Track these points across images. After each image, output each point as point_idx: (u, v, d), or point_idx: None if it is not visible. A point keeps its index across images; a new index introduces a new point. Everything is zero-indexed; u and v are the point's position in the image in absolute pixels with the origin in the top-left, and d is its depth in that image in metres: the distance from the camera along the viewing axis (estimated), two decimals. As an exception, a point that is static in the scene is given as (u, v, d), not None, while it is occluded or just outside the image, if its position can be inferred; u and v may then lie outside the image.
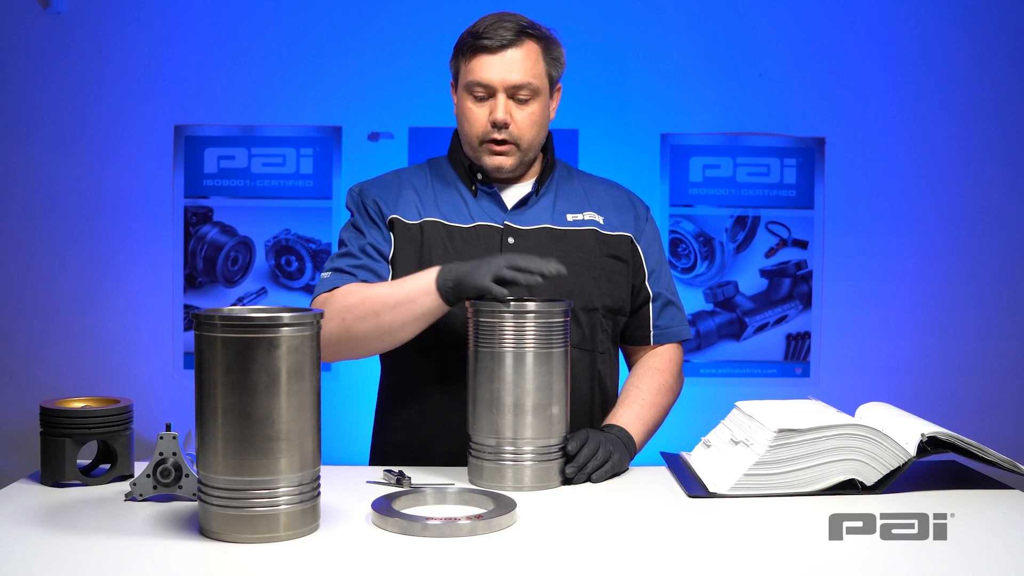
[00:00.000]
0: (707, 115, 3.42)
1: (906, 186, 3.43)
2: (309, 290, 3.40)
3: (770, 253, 3.46)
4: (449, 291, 1.61)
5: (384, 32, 3.36)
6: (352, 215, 1.88)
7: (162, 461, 1.44)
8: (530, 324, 1.55)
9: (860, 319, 3.43)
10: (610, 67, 3.38)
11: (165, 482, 1.44)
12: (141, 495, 1.45)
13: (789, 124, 3.43)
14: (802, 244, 3.46)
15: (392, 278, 1.80)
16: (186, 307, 3.40)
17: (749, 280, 3.46)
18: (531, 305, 1.57)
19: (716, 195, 3.45)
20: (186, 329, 3.40)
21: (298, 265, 3.40)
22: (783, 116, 3.43)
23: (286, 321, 1.28)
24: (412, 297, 1.64)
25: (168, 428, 1.46)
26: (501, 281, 1.56)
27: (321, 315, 1.35)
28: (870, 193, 3.43)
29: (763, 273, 3.46)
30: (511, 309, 1.56)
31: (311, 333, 1.31)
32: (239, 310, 1.33)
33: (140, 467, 1.55)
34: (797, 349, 3.47)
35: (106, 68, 3.33)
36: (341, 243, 1.86)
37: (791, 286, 3.46)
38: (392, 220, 1.83)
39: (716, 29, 3.40)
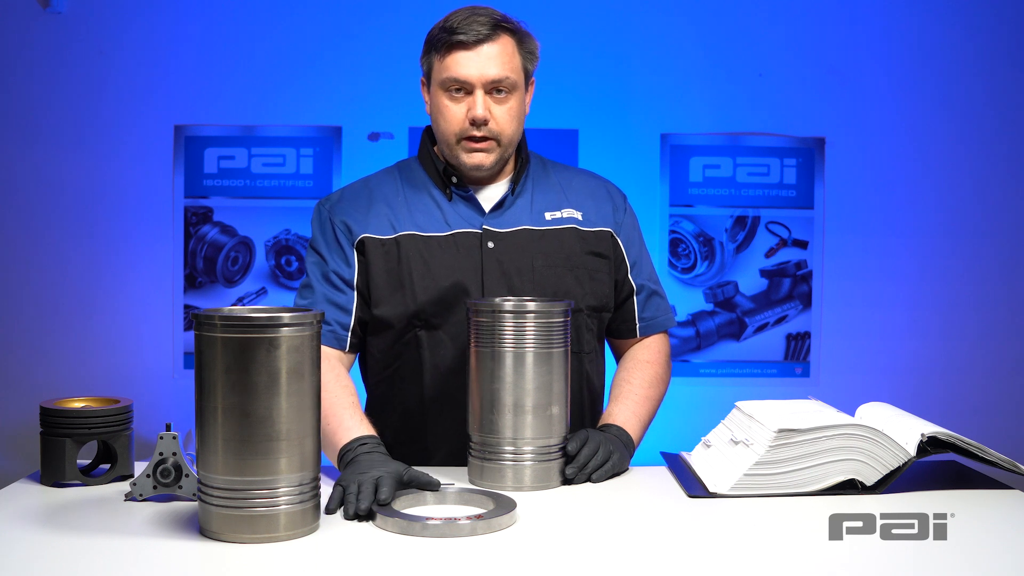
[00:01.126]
0: (707, 115, 3.42)
1: (906, 186, 3.43)
2: (309, 290, 3.40)
3: (770, 253, 3.46)
4: (340, 466, 1.59)
5: (384, 32, 3.35)
6: (314, 235, 1.84)
7: (162, 461, 1.44)
8: (530, 324, 1.55)
9: (860, 319, 3.43)
10: (610, 67, 3.38)
11: (165, 482, 1.44)
12: (141, 495, 1.45)
13: (789, 124, 3.43)
14: (802, 244, 3.46)
15: (372, 295, 1.78)
16: (186, 307, 3.40)
17: (749, 280, 3.46)
18: (531, 305, 1.57)
19: (716, 195, 3.45)
20: (186, 329, 3.39)
21: (298, 265, 3.40)
22: (783, 116, 3.42)
23: (286, 321, 1.28)
24: (329, 436, 1.62)
25: (168, 428, 1.46)
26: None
27: (322, 315, 1.35)
28: (870, 193, 3.43)
29: (763, 273, 3.46)
30: (511, 309, 1.56)
31: (311, 333, 1.31)
32: (239, 310, 1.33)
33: (140, 467, 1.55)
34: (797, 349, 3.47)
35: (106, 68, 3.33)
36: (307, 270, 1.83)
37: (791, 286, 3.46)
38: (363, 240, 1.78)
39: (716, 29, 3.40)
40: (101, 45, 3.33)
